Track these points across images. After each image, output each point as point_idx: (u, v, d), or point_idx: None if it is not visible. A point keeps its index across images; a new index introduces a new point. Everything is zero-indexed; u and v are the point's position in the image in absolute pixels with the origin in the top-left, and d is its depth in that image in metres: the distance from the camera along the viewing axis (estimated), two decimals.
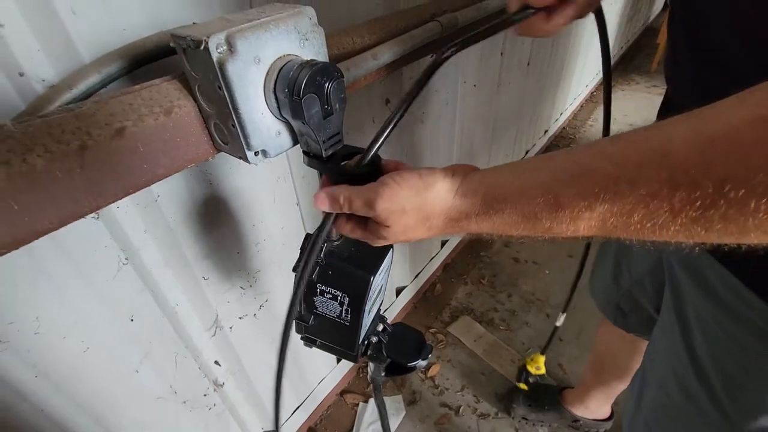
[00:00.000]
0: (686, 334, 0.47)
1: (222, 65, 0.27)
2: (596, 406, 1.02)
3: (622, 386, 0.91)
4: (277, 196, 0.70)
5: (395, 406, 1.15)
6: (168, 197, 0.53)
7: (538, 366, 1.10)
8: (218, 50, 0.27)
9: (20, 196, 0.25)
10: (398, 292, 1.33)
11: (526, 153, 2.01)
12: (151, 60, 0.42)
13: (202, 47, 0.27)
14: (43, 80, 0.40)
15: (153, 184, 0.32)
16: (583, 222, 0.25)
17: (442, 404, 1.17)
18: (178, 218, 0.56)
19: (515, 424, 1.11)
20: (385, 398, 1.16)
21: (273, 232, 0.72)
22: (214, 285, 0.65)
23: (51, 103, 0.39)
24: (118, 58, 0.40)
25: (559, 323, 1.00)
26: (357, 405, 1.17)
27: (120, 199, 0.31)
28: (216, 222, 0.61)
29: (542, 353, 1.10)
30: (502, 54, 1.33)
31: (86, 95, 0.40)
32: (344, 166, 0.32)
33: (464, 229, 0.30)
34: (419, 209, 0.30)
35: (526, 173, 0.28)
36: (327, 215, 0.38)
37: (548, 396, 1.10)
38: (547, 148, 2.25)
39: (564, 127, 2.43)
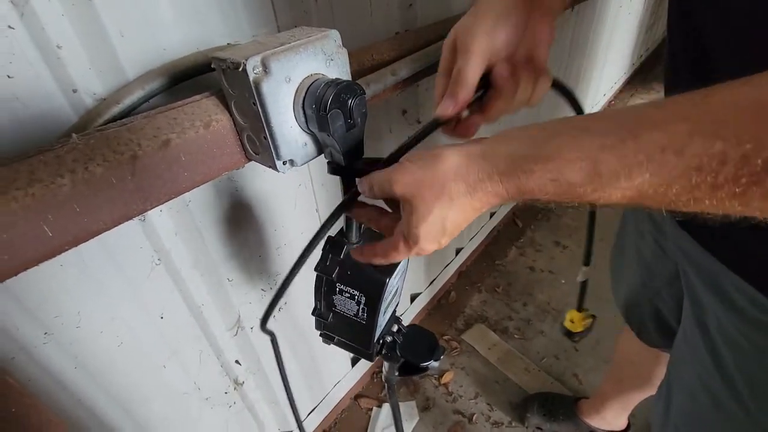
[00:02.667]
0: (709, 343, 0.47)
1: (257, 84, 0.30)
2: (613, 417, 1.01)
3: (640, 397, 0.91)
4: (297, 202, 0.74)
5: (409, 412, 1.16)
6: (198, 202, 0.57)
7: (573, 320, 0.95)
8: (254, 71, 0.30)
9: (82, 200, 0.28)
10: (413, 298, 1.34)
11: None
12: (188, 77, 0.46)
13: (240, 69, 0.30)
14: (94, 94, 0.44)
15: (192, 189, 0.35)
16: (619, 191, 0.24)
17: (455, 411, 1.17)
18: (206, 222, 0.59)
19: None
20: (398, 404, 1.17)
21: (293, 236, 0.75)
22: (237, 286, 0.69)
23: (101, 116, 0.43)
24: (159, 75, 0.44)
25: (581, 279, 0.86)
26: (371, 409, 1.18)
27: (163, 203, 0.34)
28: (240, 226, 0.65)
29: (578, 310, 0.94)
30: None
31: (131, 109, 0.44)
32: (363, 169, 0.35)
33: (489, 194, 0.28)
34: (433, 178, 0.29)
35: (564, 134, 0.26)
36: (348, 219, 0.40)
37: (563, 406, 1.10)
38: None
39: None
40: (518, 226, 1.83)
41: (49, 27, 0.39)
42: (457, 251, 1.53)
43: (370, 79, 0.46)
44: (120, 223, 0.32)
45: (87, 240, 0.30)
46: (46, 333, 0.48)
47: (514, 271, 1.61)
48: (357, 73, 0.47)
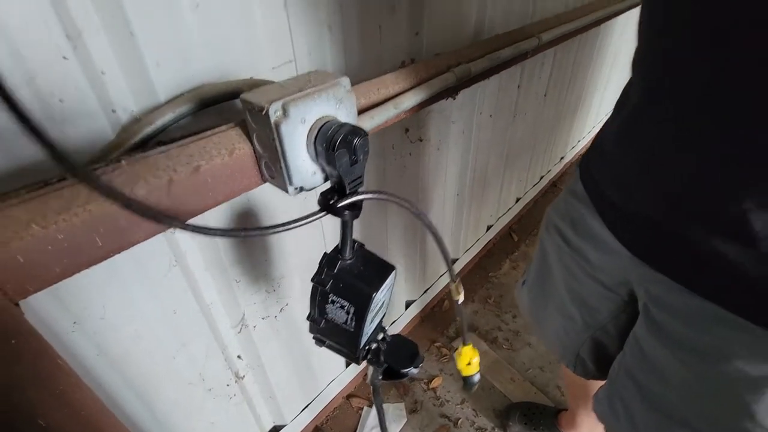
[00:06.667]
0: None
1: (277, 125, 0.36)
2: (588, 430, 1.06)
3: None
4: (302, 213, 0.79)
5: (397, 413, 1.22)
6: (213, 212, 0.63)
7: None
8: (275, 114, 0.36)
9: (127, 216, 0.34)
10: (407, 305, 1.40)
11: (540, 179, 2.07)
12: (214, 103, 0.52)
13: (264, 112, 0.36)
14: (131, 113, 0.50)
15: (215, 207, 0.41)
16: None
17: (441, 415, 1.22)
18: (217, 215, 0.65)
19: None
20: (388, 405, 1.23)
21: (297, 244, 0.81)
22: (243, 287, 0.75)
23: (136, 135, 0.49)
24: (188, 101, 0.50)
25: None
26: (362, 408, 1.23)
27: (190, 218, 0.40)
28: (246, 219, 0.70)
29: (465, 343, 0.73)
30: (519, 87, 1.41)
31: (162, 129, 0.50)
32: (332, 205, 0.40)
33: None
34: None
35: None
36: (344, 237, 0.46)
37: (544, 417, 1.15)
38: (563, 175, 2.30)
39: (581, 155, 2.47)
40: (514, 240, 1.88)
41: (96, 56, 0.45)
42: (453, 262, 1.58)
43: (375, 112, 0.52)
44: (154, 235, 0.38)
45: (128, 248, 0.36)
46: (75, 323, 0.54)
47: (507, 283, 1.67)
48: (364, 107, 0.53)
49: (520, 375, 1.32)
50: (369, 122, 0.51)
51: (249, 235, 0.37)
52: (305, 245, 0.83)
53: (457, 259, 1.60)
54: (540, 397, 1.26)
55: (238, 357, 0.82)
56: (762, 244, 0.38)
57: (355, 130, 0.38)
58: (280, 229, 0.36)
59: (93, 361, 0.57)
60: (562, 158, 2.23)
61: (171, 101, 0.51)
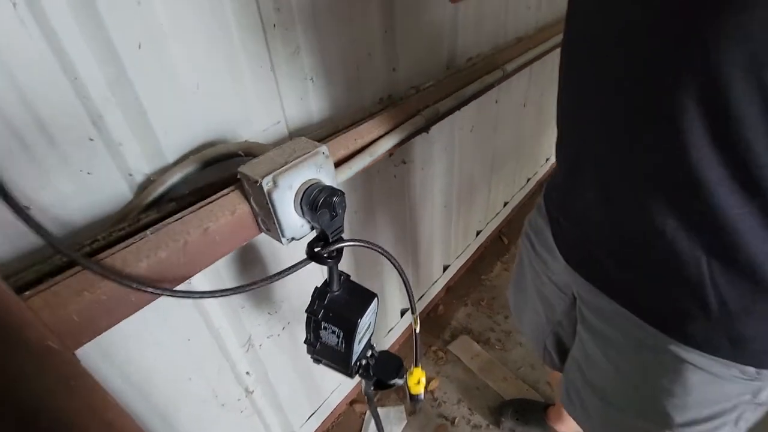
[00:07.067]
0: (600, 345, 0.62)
1: (270, 193, 0.45)
2: (573, 422, 1.14)
3: None
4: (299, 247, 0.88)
5: (398, 416, 1.30)
6: None
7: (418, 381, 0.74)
8: (267, 185, 0.45)
9: (155, 274, 0.43)
10: (402, 313, 1.48)
11: (528, 181, 2.15)
12: (216, 162, 0.61)
13: (258, 184, 0.44)
14: (145, 174, 0.59)
15: (221, 258, 0.50)
16: None
17: (439, 415, 1.31)
18: (223, 260, 0.74)
19: None
20: (389, 408, 1.32)
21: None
22: (248, 312, 0.83)
23: (150, 195, 0.57)
24: (193, 162, 0.59)
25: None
26: (364, 414, 1.32)
27: (202, 269, 0.48)
28: (251, 264, 0.79)
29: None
30: (497, 102, 1.49)
31: (172, 187, 0.59)
32: (317, 254, 0.49)
33: None
34: None
35: None
36: (330, 272, 0.54)
37: (535, 412, 1.23)
38: (550, 176, 2.37)
39: None
40: (504, 242, 1.97)
41: (116, 133, 0.54)
42: (445, 268, 1.67)
43: (353, 162, 0.60)
44: (176, 286, 0.47)
45: (156, 298, 0.45)
46: (103, 355, 0.62)
47: (498, 285, 1.75)
48: (344, 157, 0.62)
49: (512, 373, 1.41)
50: (347, 173, 0.60)
51: (238, 292, 0.46)
52: (302, 272, 0.92)
53: (449, 266, 1.68)
54: (531, 394, 1.35)
55: (247, 373, 0.90)
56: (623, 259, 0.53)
57: (334, 192, 0.46)
58: (267, 282, 0.45)
59: (120, 388, 0.66)
60: (547, 159, 2.32)
61: (178, 163, 0.60)
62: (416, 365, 0.63)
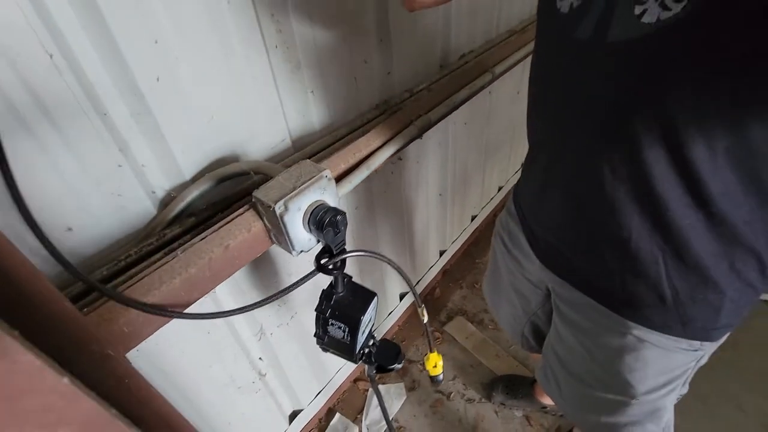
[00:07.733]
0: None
1: (282, 216, 0.52)
2: None
3: None
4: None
5: (398, 392, 1.41)
6: None
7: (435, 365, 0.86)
8: (279, 209, 0.51)
9: (185, 289, 0.50)
10: (401, 297, 1.58)
11: (521, 165, 2.20)
12: (229, 179, 0.67)
13: (271, 209, 0.51)
14: (165, 190, 0.65)
15: (239, 269, 0.57)
16: None
17: (436, 391, 1.42)
18: None
19: (495, 408, 1.36)
20: (390, 385, 1.43)
21: (301, 266, 0.97)
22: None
23: (172, 211, 0.64)
24: (209, 179, 0.66)
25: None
26: (367, 390, 1.43)
27: (224, 281, 0.56)
28: (260, 263, 0.87)
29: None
30: (490, 92, 1.53)
31: (190, 203, 0.66)
32: (324, 265, 0.56)
33: None
34: None
35: None
36: (335, 277, 0.62)
37: (523, 386, 1.34)
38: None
39: None
40: None
41: (139, 156, 0.60)
42: (441, 253, 1.75)
43: (352, 177, 0.67)
44: (201, 297, 0.54)
45: (186, 308, 0.52)
46: (137, 350, 0.70)
47: None
48: (345, 171, 0.68)
49: (504, 351, 1.51)
50: (348, 187, 0.66)
51: (261, 305, 0.53)
52: (307, 268, 1.00)
53: (445, 250, 1.76)
54: (521, 369, 1.45)
55: (260, 359, 0.99)
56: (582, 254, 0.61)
57: (336, 212, 0.53)
58: (284, 293, 0.52)
59: (153, 377, 0.74)
60: None
61: (196, 180, 0.66)
62: (431, 351, 0.71)
